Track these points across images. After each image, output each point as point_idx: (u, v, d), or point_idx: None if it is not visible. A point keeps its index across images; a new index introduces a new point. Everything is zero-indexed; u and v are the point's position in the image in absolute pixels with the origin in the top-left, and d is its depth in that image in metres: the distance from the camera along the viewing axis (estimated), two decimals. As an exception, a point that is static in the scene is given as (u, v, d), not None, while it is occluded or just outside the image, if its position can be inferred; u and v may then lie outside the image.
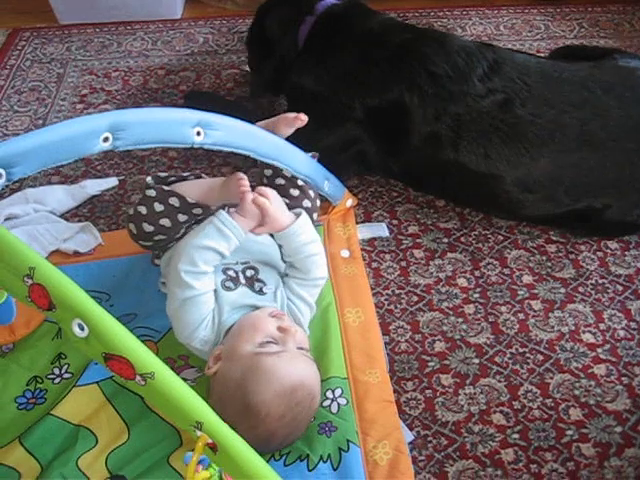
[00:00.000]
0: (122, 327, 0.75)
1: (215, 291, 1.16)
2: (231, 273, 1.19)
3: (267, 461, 1.04)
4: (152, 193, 1.18)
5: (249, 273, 1.21)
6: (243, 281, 1.19)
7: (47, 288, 0.71)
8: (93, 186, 1.57)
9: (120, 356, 0.73)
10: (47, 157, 0.86)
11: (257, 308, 1.16)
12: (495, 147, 1.36)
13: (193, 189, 1.20)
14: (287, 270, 1.24)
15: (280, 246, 1.24)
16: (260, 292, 1.19)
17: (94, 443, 1.10)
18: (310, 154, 1.32)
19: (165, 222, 1.18)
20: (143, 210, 1.19)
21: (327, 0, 1.58)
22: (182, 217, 1.18)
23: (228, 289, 1.17)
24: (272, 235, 1.24)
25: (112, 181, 1.60)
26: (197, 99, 1.80)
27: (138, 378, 0.73)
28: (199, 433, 0.75)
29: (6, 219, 1.42)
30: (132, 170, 1.63)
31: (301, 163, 1.27)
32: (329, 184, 1.36)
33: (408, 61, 1.44)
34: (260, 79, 1.73)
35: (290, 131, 1.26)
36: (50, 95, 1.88)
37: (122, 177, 1.62)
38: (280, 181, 1.32)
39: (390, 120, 1.44)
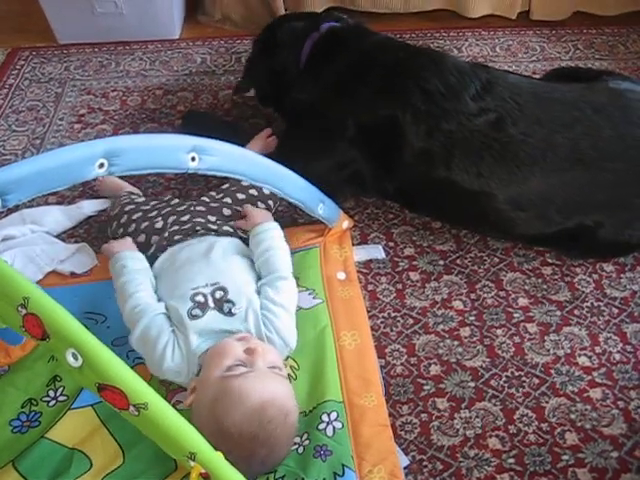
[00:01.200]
0: (116, 357, 0.75)
1: (181, 322, 1.17)
2: (199, 298, 1.20)
3: (262, 486, 1.07)
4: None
5: (218, 294, 1.21)
6: (212, 304, 1.20)
7: (41, 318, 0.71)
8: (90, 206, 1.57)
9: (114, 386, 0.73)
10: (42, 184, 0.87)
11: (228, 332, 1.17)
12: (487, 165, 1.37)
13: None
14: (259, 284, 1.26)
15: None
16: (229, 314, 1.19)
17: (88, 467, 1.10)
18: None
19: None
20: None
21: (329, 23, 1.61)
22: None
23: (195, 317, 1.18)
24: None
25: (108, 202, 1.60)
26: (194, 120, 1.81)
27: (132, 408, 0.73)
28: (192, 463, 0.75)
29: (3, 240, 1.42)
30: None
31: (294, 187, 1.28)
32: (324, 207, 1.37)
33: (401, 78, 1.46)
34: (260, 86, 1.76)
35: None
36: (48, 115, 1.89)
37: (119, 198, 1.62)
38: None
39: (383, 137, 1.45)
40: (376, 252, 1.50)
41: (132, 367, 1.18)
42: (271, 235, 1.31)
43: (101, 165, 0.92)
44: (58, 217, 1.52)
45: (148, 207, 1.44)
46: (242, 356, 1.09)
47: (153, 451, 1.11)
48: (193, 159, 1.04)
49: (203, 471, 0.75)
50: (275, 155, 1.56)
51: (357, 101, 1.47)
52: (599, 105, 1.38)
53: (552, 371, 1.28)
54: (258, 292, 1.24)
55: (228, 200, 1.45)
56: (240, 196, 1.46)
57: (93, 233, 1.54)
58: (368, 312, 1.37)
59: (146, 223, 1.39)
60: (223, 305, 1.20)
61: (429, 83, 1.41)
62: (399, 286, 1.44)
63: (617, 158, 1.35)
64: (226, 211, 1.43)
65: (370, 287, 1.44)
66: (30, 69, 2.06)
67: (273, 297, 1.22)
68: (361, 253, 1.49)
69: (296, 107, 1.58)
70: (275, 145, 1.64)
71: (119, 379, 0.73)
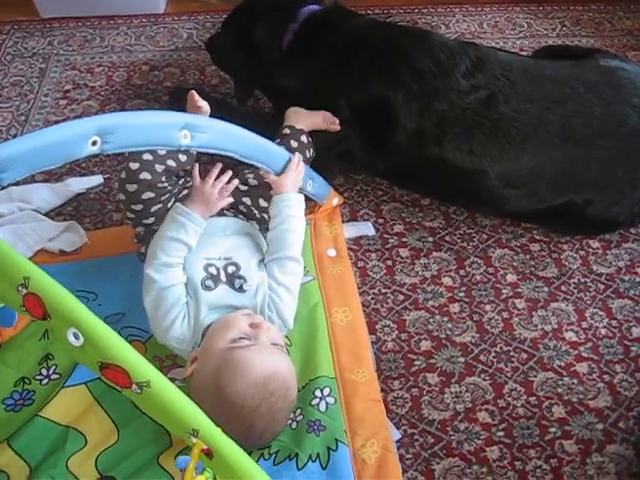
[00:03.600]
0: (118, 336, 0.75)
1: (194, 290, 1.17)
2: (212, 270, 1.20)
3: (256, 460, 1.08)
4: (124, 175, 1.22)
5: (230, 269, 1.21)
6: (224, 278, 1.20)
7: (42, 297, 0.71)
8: (78, 184, 1.56)
9: (116, 365, 0.73)
10: (36, 162, 0.87)
11: (235, 308, 1.18)
12: (479, 143, 1.38)
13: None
14: (266, 257, 1.25)
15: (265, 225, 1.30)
16: (240, 289, 1.19)
17: (83, 444, 1.10)
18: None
19: (145, 175, 1.20)
20: (123, 175, 1.22)
21: (309, 7, 1.58)
22: (182, 157, 1.24)
23: (207, 288, 1.18)
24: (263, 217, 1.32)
25: (97, 179, 1.59)
26: (182, 96, 1.79)
27: (134, 386, 0.74)
28: (194, 440, 0.76)
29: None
30: (117, 168, 1.61)
31: (283, 164, 1.28)
32: (313, 184, 1.37)
33: (391, 58, 1.45)
34: (244, 86, 1.73)
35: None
36: (32, 91, 1.86)
37: (107, 175, 1.61)
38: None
39: (376, 117, 1.45)
40: (366, 229, 1.51)
41: (125, 344, 1.25)
42: (291, 212, 1.26)
43: (94, 143, 0.91)
44: (46, 195, 1.51)
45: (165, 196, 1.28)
46: (247, 329, 1.10)
47: (148, 428, 1.13)
48: (185, 136, 1.03)
49: (205, 447, 0.76)
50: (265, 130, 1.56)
51: (348, 83, 1.46)
52: (590, 83, 1.39)
53: (540, 346, 1.31)
54: (264, 267, 1.24)
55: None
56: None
57: (82, 211, 1.53)
58: (359, 288, 1.38)
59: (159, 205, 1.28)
60: (234, 280, 1.20)
61: (420, 62, 1.41)
62: (389, 262, 1.45)
63: (608, 136, 1.37)
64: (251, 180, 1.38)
65: (360, 264, 1.45)
66: (12, 44, 2.02)
67: (278, 277, 1.21)
68: (351, 230, 1.50)
69: (283, 92, 1.57)
70: None
71: (121, 357, 0.74)
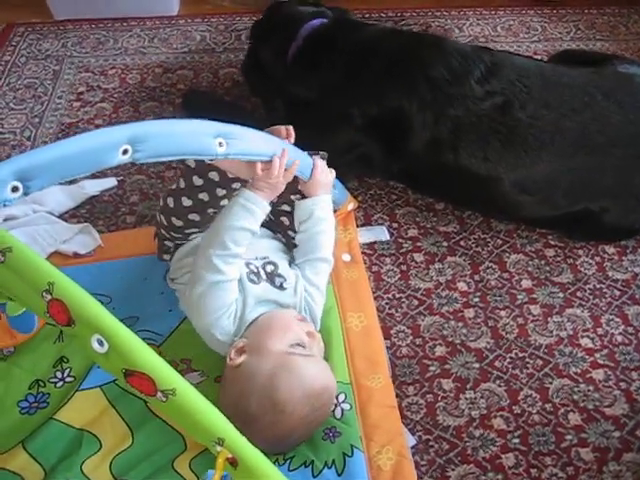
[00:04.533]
0: (143, 343, 0.74)
1: (240, 282, 1.16)
2: (252, 268, 1.19)
3: (271, 465, 1.08)
4: (192, 164, 1.19)
5: (269, 268, 1.21)
6: (264, 276, 1.20)
7: (66, 303, 0.70)
8: (92, 186, 1.56)
9: (141, 372, 0.72)
10: (66, 170, 0.84)
11: (279, 304, 1.18)
12: (494, 150, 1.37)
13: (233, 163, 1.17)
14: (298, 258, 1.25)
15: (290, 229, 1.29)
16: (281, 287, 1.19)
17: (98, 447, 1.10)
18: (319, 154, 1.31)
19: (204, 196, 1.20)
20: (182, 184, 1.20)
21: (312, 22, 1.57)
22: (220, 191, 1.19)
23: (253, 282, 1.17)
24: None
25: (111, 181, 1.59)
26: (195, 100, 1.80)
27: (159, 394, 0.73)
28: (219, 448, 0.75)
29: (5, 220, 1.41)
30: (131, 170, 1.62)
31: (309, 169, 1.27)
32: (333, 190, 1.36)
33: (404, 67, 1.44)
34: (265, 102, 1.74)
35: None
36: (46, 92, 1.86)
37: (121, 177, 1.61)
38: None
39: (390, 126, 1.44)
40: (381, 234, 1.50)
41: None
42: (323, 214, 1.25)
43: (125, 151, 0.88)
44: (60, 197, 1.51)
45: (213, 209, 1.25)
46: (304, 338, 1.11)
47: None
48: (221, 144, 1.00)
49: (230, 456, 0.75)
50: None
51: (362, 92, 1.45)
52: (608, 90, 1.38)
53: (555, 352, 1.30)
54: (296, 267, 1.24)
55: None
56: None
57: (96, 213, 1.53)
58: (373, 293, 1.38)
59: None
60: (275, 279, 1.20)
61: (433, 70, 1.40)
62: (403, 267, 1.45)
63: (625, 144, 1.36)
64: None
65: (375, 268, 1.45)
66: (26, 45, 2.03)
67: (311, 277, 1.22)
68: (366, 235, 1.49)
69: (294, 100, 1.57)
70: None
71: (147, 365, 0.73)
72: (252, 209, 1.13)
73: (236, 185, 1.19)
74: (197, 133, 0.99)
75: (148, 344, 1.19)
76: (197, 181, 1.19)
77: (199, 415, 0.76)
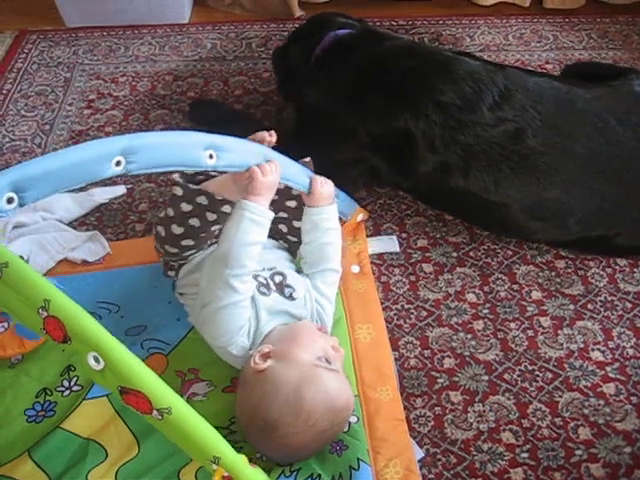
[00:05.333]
0: (139, 361, 0.74)
1: (252, 297, 1.14)
2: (261, 279, 1.19)
3: (277, 477, 1.07)
4: (179, 192, 1.18)
5: (277, 279, 1.21)
6: (273, 287, 1.19)
7: (62, 321, 0.70)
8: (101, 194, 1.56)
9: (137, 390, 0.72)
10: (60, 181, 0.85)
11: (291, 315, 1.17)
12: (505, 177, 1.35)
13: (220, 185, 1.19)
14: (306, 270, 1.25)
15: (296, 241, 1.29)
16: (291, 298, 1.19)
17: (104, 457, 1.10)
18: (303, 161, 1.30)
19: (194, 222, 1.18)
20: (170, 212, 1.19)
21: (341, 30, 1.57)
22: (211, 216, 1.18)
23: (263, 294, 1.16)
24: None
25: (120, 189, 1.59)
26: (202, 108, 1.80)
27: (155, 413, 0.72)
28: (215, 467, 0.75)
29: (14, 227, 1.42)
30: (140, 178, 1.62)
31: (306, 182, 1.26)
32: (338, 201, 1.35)
33: (413, 89, 1.41)
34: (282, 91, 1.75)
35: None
36: (57, 100, 1.87)
37: (130, 185, 1.61)
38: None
39: (397, 147, 1.42)
40: (391, 244, 1.49)
41: (147, 357, 1.25)
42: (328, 225, 1.25)
43: (118, 163, 0.89)
44: (69, 204, 1.51)
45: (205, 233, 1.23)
46: (330, 352, 1.10)
47: (168, 442, 1.11)
48: (211, 156, 1.01)
49: (226, 474, 0.75)
50: (286, 148, 1.56)
51: (368, 112, 1.43)
52: (623, 113, 1.35)
53: (565, 365, 1.28)
54: (305, 276, 1.24)
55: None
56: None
57: (104, 221, 1.53)
58: (381, 304, 1.37)
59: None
60: (284, 289, 1.19)
61: (443, 95, 1.36)
62: (412, 278, 1.44)
63: (638, 169, 1.34)
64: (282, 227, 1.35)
65: (383, 279, 1.44)
66: (38, 53, 2.04)
67: (321, 288, 1.22)
68: (376, 245, 1.48)
69: (307, 106, 1.56)
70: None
71: (142, 383, 0.72)
72: (259, 221, 1.11)
73: (226, 208, 1.17)
74: (188, 145, 1.00)
75: (156, 354, 1.25)
76: (186, 207, 1.17)
77: (195, 434, 0.75)
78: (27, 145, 1.72)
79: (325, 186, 1.25)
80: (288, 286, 1.20)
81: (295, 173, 1.22)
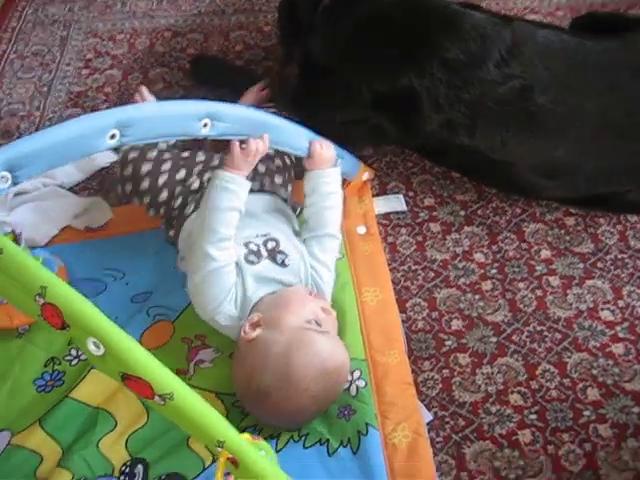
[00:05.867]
0: (139, 347, 0.73)
1: (237, 266, 1.15)
2: (252, 247, 1.18)
3: (286, 442, 1.08)
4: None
5: (270, 245, 1.20)
6: (265, 254, 1.18)
7: (60, 308, 0.68)
8: (102, 158, 1.53)
9: (137, 376, 0.71)
10: (54, 158, 0.85)
11: (281, 283, 1.16)
12: (513, 135, 1.31)
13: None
14: (304, 234, 1.24)
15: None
16: (282, 264, 1.18)
17: (113, 426, 1.11)
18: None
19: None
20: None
21: None
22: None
23: (251, 263, 1.16)
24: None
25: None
26: (204, 65, 1.75)
27: (157, 398, 0.72)
28: (220, 450, 0.75)
29: (16, 194, 1.40)
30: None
31: (305, 146, 1.23)
32: (342, 162, 1.32)
33: (417, 46, 1.34)
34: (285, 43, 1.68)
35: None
36: (54, 60, 1.82)
37: (131, 147, 1.58)
38: None
39: (402, 105, 1.37)
40: (397, 204, 1.46)
41: (153, 324, 1.25)
42: (329, 188, 1.24)
43: (112, 136, 0.89)
44: (70, 169, 1.49)
45: (169, 166, 1.29)
46: (320, 314, 1.10)
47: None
48: (205, 125, 1.01)
49: (231, 456, 0.75)
50: (290, 105, 1.52)
51: (372, 69, 1.37)
52: (636, 68, 1.30)
53: (574, 326, 1.27)
54: (302, 242, 1.23)
55: None
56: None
57: (106, 185, 1.51)
58: (388, 265, 1.35)
59: (179, 188, 1.28)
60: (276, 256, 1.18)
61: (448, 52, 1.30)
62: (419, 238, 1.42)
63: None
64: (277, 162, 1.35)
65: (390, 239, 1.42)
66: (32, 11, 1.98)
67: (318, 255, 1.21)
68: (382, 205, 1.46)
69: (310, 61, 1.51)
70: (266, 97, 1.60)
71: (143, 369, 0.71)
72: (232, 188, 1.12)
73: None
74: (184, 116, 0.99)
75: (162, 320, 1.25)
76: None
77: (198, 419, 0.75)
78: (25, 109, 1.69)
79: (325, 149, 1.22)
80: (281, 252, 1.19)
81: (294, 138, 1.20)
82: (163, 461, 1.07)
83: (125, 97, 1.70)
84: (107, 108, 1.68)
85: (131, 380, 0.71)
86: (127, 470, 1.06)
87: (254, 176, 1.24)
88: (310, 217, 1.24)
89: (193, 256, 1.15)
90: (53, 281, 0.69)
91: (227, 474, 0.77)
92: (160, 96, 1.66)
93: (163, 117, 0.97)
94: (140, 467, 1.07)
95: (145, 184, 1.27)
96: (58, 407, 1.13)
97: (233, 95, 1.69)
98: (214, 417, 0.76)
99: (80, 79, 1.77)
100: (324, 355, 1.05)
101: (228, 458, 0.74)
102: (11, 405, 1.15)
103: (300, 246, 1.21)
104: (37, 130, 1.62)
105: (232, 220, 1.13)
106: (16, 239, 1.00)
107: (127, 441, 1.09)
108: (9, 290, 0.69)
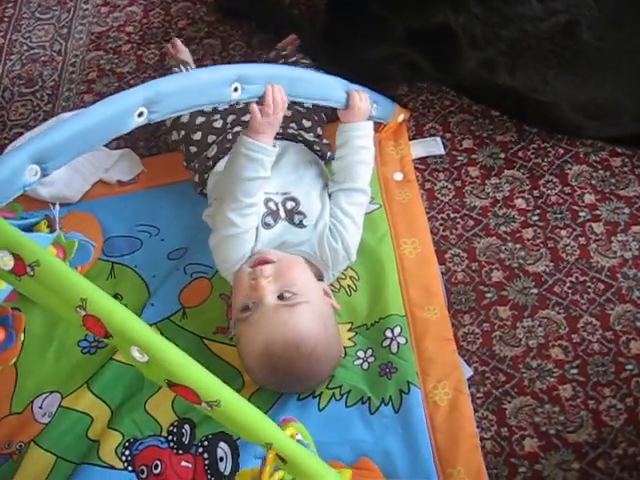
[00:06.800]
0: (184, 355, 0.72)
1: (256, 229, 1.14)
2: (272, 205, 1.17)
3: (327, 402, 1.09)
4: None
5: (289, 205, 1.18)
6: (283, 214, 1.17)
7: (101, 319, 0.68)
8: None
9: (183, 385, 0.71)
10: (82, 144, 0.84)
11: (293, 244, 1.15)
12: (555, 74, 1.23)
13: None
14: (332, 187, 1.21)
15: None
16: (300, 225, 1.17)
17: (159, 386, 1.12)
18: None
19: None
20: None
21: None
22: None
23: (267, 226, 1.15)
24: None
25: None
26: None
27: (204, 404, 0.72)
28: (268, 450, 0.76)
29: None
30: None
31: (342, 95, 1.18)
32: (377, 107, 1.26)
33: None
34: None
35: None
36: (72, -3, 1.75)
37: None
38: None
39: (437, 43, 1.30)
40: (435, 147, 1.41)
41: (191, 282, 1.25)
42: (360, 142, 1.20)
43: (140, 114, 0.86)
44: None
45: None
46: (249, 296, 1.07)
47: (219, 368, 1.14)
48: (235, 89, 0.97)
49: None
50: (320, 47, 1.44)
51: (406, 6, 1.28)
52: None
53: (618, 275, 1.24)
54: (329, 195, 1.20)
55: None
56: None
57: (135, 135, 1.45)
58: (426, 213, 1.32)
59: (202, 119, 1.28)
60: (294, 216, 1.17)
61: None
62: (458, 183, 1.37)
63: None
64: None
65: (427, 185, 1.37)
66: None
67: (344, 206, 1.18)
68: (418, 149, 1.40)
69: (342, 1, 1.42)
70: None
71: (188, 378, 0.71)
72: (255, 157, 1.09)
73: None
74: (213, 84, 0.96)
75: (200, 277, 1.25)
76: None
77: (245, 423, 0.75)
78: (46, 53, 1.64)
79: (363, 101, 1.17)
80: (299, 213, 1.17)
81: (329, 89, 1.15)
82: (209, 421, 1.09)
83: (147, 37, 1.64)
84: (130, 49, 1.63)
85: (177, 387, 0.71)
86: (175, 430, 1.09)
87: None
88: (340, 170, 1.21)
89: (216, 216, 1.15)
90: (94, 293, 0.68)
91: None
92: (184, 34, 1.60)
93: (191, 88, 0.94)
94: (187, 427, 1.09)
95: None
96: (104, 369, 1.15)
97: (259, 28, 1.63)
98: (262, 421, 0.76)
99: (100, 18, 1.70)
100: (248, 345, 1.06)
101: (277, 454, 0.75)
102: (58, 367, 1.18)
103: (324, 201, 1.19)
104: (60, 77, 1.58)
105: (256, 189, 1.11)
106: (50, 224, 0.98)
107: (173, 402, 1.12)
108: (48, 300, 0.69)
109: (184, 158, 1.32)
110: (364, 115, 1.20)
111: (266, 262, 1.09)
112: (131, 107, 0.85)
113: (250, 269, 1.10)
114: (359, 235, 1.20)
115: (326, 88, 1.15)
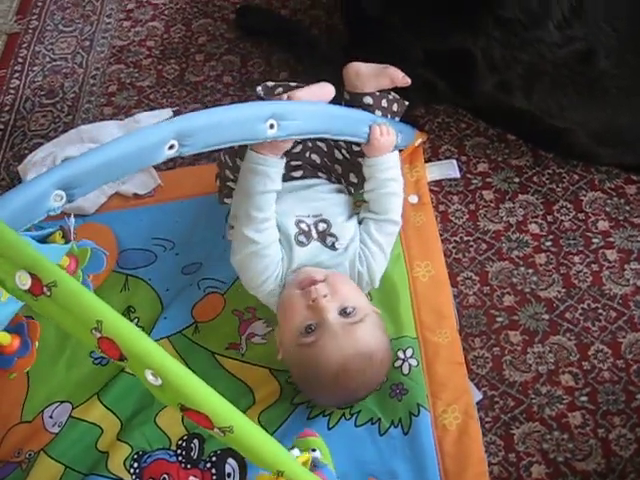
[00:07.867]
0: (198, 380, 0.73)
1: (288, 244, 1.13)
2: (303, 226, 1.16)
3: (337, 421, 1.10)
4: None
5: (321, 227, 1.17)
6: (315, 235, 1.16)
7: (116, 342, 0.68)
8: (147, 120, 1.50)
9: (196, 410, 0.72)
10: (111, 173, 0.84)
11: (326, 266, 1.14)
12: (571, 100, 1.24)
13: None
14: (363, 214, 1.21)
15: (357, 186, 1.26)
16: (332, 247, 1.16)
17: (171, 400, 1.14)
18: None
19: None
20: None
21: None
22: None
23: (301, 244, 1.14)
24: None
25: (166, 112, 1.53)
26: (249, 15, 1.68)
27: (216, 430, 0.72)
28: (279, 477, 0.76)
29: (63, 161, 1.39)
30: (186, 99, 1.56)
31: (365, 132, 1.17)
32: (401, 136, 1.27)
33: (472, 2, 1.25)
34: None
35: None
36: (95, 11, 1.77)
37: (176, 107, 1.55)
38: None
39: (455, 65, 1.31)
40: (450, 170, 1.41)
41: (204, 297, 1.25)
42: (388, 175, 1.18)
43: (171, 147, 0.86)
44: (116, 133, 1.45)
45: None
46: (308, 315, 1.06)
47: (230, 384, 1.15)
48: (272, 126, 0.96)
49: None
50: (341, 58, 1.45)
51: (422, 26, 1.30)
52: None
53: (631, 303, 1.24)
54: (360, 222, 1.20)
55: None
56: None
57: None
58: (440, 236, 1.32)
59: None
60: (326, 238, 1.16)
61: (505, 10, 1.21)
62: (472, 207, 1.38)
63: None
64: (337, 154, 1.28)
65: (441, 207, 1.38)
66: (70, -42, 1.92)
67: (374, 234, 1.17)
68: (434, 171, 1.41)
69: (358, 14, 1.43)
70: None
71: (202, 403, 0.71)
72: (264, 171, 1.08)
73: None
74: (248, 119, 0.95)
75: (213, 293, 1.25)
76: None
77: (258, 451, 0.75)
78: (68, 65, 1.66)
79: (385, 135, 1.16)
80: (331, 235, 1.16)
81: (355, 124, 1.14)
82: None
83: (168, 52, 1.66)
84: (150, 63, 1.65)
85: (191, 411, 0.71)
86: (184, 444, 1.10)
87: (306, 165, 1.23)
88: (370, 201, 1.20)
89: (235, 235, 1.15)
90: (109, 315, 0.69)
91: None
92: (204, 49, 1.62)
93: (225, 124, 0.93)
94: (196, 442, 1.10)
95: None
96: (115, 381, 1.15)
97: (279, 47, 1.64)
98: (273, 448, 0.76)
99: (122, 32, 1.72)
100: (322, 367, 1.03)
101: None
102: (70, 376, 1.19)
103: (355, 226, 1.18)
104: (80, 89, 1.61)
105: (267, 202, 1.11)
106: (65, 234, 0.99)
107: (183, 416, 1.12)
108: (64, 321, 0.70)
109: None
110: (387, 149, 1.18)
111: (314, 281, 1.09)
112: (162, 140, 0.86)
113: (299, 291, 1.09)
114: (386, 263, 1.20)
115: (354, 122, 1.15)
